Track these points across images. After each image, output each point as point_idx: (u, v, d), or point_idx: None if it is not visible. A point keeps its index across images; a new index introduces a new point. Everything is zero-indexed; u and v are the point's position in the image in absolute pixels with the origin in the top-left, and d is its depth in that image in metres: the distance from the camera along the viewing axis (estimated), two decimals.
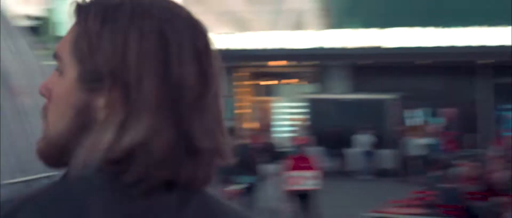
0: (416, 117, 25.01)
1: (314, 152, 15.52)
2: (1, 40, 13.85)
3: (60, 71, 1.31)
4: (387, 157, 23.82)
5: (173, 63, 1.26)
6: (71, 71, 1.29)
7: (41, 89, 1.33)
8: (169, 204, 1.26)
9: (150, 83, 1.25)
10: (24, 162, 12.65)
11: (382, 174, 23.14)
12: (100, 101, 1.26)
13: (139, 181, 1.23)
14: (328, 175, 17.81)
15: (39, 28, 26.76)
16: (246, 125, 25.84)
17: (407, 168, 22.23)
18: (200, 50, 1.30)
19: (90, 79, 1.27)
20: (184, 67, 1.27)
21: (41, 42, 21.52)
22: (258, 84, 28.50)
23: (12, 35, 14.61)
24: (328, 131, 24.13)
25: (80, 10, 1.31)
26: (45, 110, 1.33)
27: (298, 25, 25.91)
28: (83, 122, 1.27)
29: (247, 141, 15.22)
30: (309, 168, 13.53)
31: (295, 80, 27.99)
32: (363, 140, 23.92)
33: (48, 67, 16.12)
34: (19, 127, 13.23)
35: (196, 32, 1.31)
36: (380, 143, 23.85)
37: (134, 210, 1.23)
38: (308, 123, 25.14)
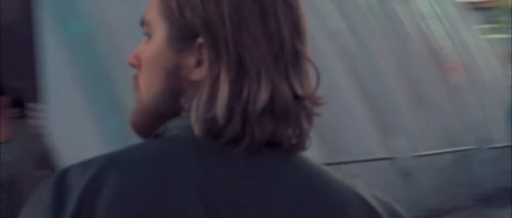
0: None
1: None
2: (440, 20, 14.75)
3: (148, 36, 1.28)
4: None
5: (270, 17, 1.22)
6: (160, 33, 1.25)
7: (130, 60, 1.30)
8: (269, 166, 1.21)
9: (249, 36, 1.21)
10: (454, 135, 13.22)
11: None
12: (192, 61, 1.23)
13: (238, 139, 1.19)
14: None
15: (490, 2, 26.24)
16: None
17: None
18: (292, 5, 1.25)
19: (180, 37, 1.23)
20: (280, 21, 1.23)
21: (491, 16, 21.60)
22: None
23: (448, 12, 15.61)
24: None
25: None
26: (136, 80, 1.29)
27: None
28: (174, 84, 1.24)
29: None
30: None
31: None
32: None
33: (488, 41, 16.88)
34: (450, 101, 13.89)
35: None
36: None
37: (229, 169, 1.19)
38: None
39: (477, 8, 21.49)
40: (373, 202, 1.24)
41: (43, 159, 5.04)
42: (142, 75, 1.28)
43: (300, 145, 1.24)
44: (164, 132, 1.24)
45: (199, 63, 1.22)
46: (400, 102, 12.51)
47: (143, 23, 1.29)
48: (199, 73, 1.22)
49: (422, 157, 11.15)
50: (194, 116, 1.20)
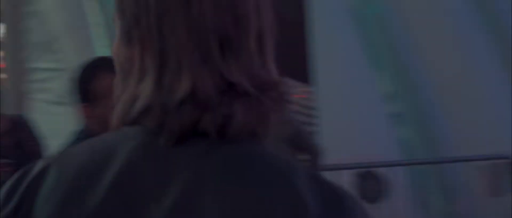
0: None
1: None
2: None
3: None
4: None
5: (193, 4, 1.21)
6: (117, 28, 1.28)
7: None
8: (190, 156, 1.19)
9: (170, 26, 1.21)
10: None
11: None
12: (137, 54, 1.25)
13: (159, 128, 1.20)
14: None
15: None
16: None
17: None
18: None
19: (125, 31, 1.25)
20: (207, 6, 1.21)
21: None
22: None
23: None
24: None
25: None
26: None
27: None
28: (125, 78, 1.26)
29: None
30: None
31: None
32: None
33: None
34: None
35: None
36: None
37: (151, 160, 1.20)
38: None
39: None
40: (307, 193, 1.17)
41: (294, 143, 4.94)
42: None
43: (235, 132, 1.19)
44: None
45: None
46: None
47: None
48: None
49: None
50: (118, 109, 1.23)
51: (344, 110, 7.31)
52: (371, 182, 7.21)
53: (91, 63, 2.98)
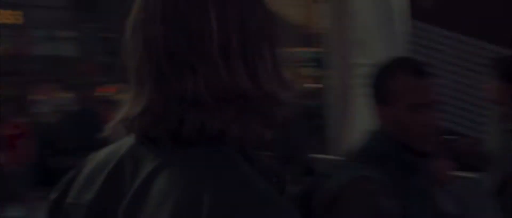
0: None
1: None
2: None
3: None
4: None
5: (150, 23, 1.34)
6: None
7: None
8: (155, 153, 1.37)
9: (131, 45, 1.38)
10: None
11: None
12: None
13: (132, 134, 1.42)
14: None
15: None
16: None
17: None
18: (180, 9, 1.33)
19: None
20: (159, 27, 1.33)
21: None
22: None
23: None
24: None
25: None
26: None
27: None
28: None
29: None
30: None
31: None
32: None
33: None
34: None
35: None
36: None
37: (133, 156, 1.41)
38: None
39: None
40: (218, 194, 1.26)
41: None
42: None
43: (189, 137, 1.33)
44: None
45: None
46: None
47: None
48: None
49: None
50: (114, 117, 1.43)
51: None
52: None
53: (388, 63, 2.81)
